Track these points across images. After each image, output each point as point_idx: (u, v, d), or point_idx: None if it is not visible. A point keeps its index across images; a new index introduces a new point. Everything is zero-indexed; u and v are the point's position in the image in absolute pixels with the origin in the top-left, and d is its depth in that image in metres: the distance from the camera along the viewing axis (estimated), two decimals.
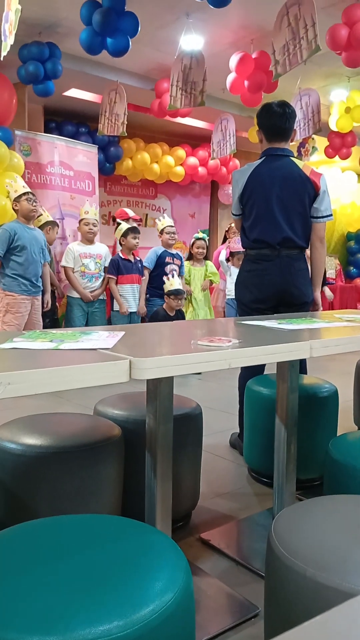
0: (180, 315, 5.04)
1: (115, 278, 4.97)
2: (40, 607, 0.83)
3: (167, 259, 5.24)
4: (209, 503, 2.28)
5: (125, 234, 5.04)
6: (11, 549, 1.00)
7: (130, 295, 5.00)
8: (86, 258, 4.84)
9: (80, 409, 3.54)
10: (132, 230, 5.10)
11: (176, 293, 4.82)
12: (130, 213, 5.63)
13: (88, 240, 4.93)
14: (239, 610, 1.57)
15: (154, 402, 1.42)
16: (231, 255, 5.71)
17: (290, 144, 2.78)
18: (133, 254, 5.12)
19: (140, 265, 5.16)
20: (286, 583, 1.03)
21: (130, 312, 5.00)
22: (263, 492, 2.40)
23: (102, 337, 1.33)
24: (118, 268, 4.98)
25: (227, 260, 5.77)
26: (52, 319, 4.90)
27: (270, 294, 2.65)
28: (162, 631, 0.85)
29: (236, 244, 5.55)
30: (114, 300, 5.02)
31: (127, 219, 5.44)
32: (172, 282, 4.86)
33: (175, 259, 5.35)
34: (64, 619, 0.80)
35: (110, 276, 4.98)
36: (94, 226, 4.93)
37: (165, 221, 5.40)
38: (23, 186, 4.40)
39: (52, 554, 0.98)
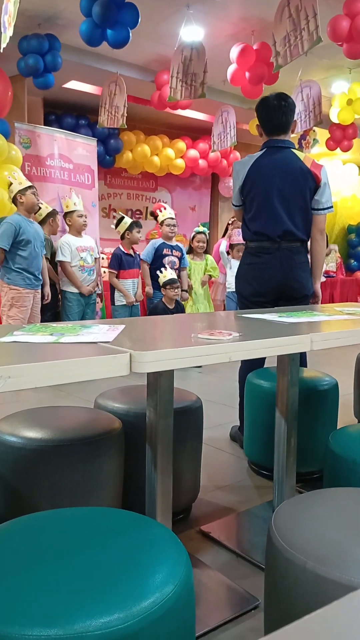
0: (180, 308, 5.03)
1: (117, 272, 4.96)
2: (41, 600, 0.83)
3: (165, 251, 5.20)
4: (209, 496, 2.28)
5: (130, 228, 5.01)
6: (11, 543, 1.01)
7: (132, 290, 5.00)
8: (83, 251, 4.77)
9: (81, 403, 3.55)
10: (137, 225, 5.09)
11: (171, 282, 4.84)
12: (168, 208, 5.57)
13: (80, 232, 4.84)
14: (239, 602, 1.58)
15: (155, 395, 1.42)
16: (231, 247, 5.69)
17: (291, 135, 2.77)
18: (133, 249, 5.11)
19: (139, 259, 5.16)
20: (286, 575, 1.03)
21: (130, 307, 5.00)
22: (263, 485, 2.41)
23: (102, 331, 1.33)
24: (120, 263, 4.96)
25: (227, 253, 5.75)
26: (54, 312, 4.87)
27: (271, 287, 2.64)
28: (163, 623, 0.85)
29: (236, 236, 5.53)
30: (115, 294, 5.00)
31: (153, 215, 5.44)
32: (165, 274, 4.88)
33: (174, 251, 5.30)
34: (65, 612, 0.80)
35: (111, 270, 4.97)
36: (86, 217, 4.89)
37: (165, 212, 5.35)
38: (25, 179, 4.39)
39: (52, 547, 0.98)
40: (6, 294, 4.21)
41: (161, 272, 4.93)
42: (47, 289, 4.62)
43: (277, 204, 2.61)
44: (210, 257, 5.90)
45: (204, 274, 5.74)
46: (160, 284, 4.88)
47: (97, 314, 5.18)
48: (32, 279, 4.27)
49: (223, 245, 5.86)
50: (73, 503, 1.58)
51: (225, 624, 1.49)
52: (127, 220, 5.08)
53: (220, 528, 2.02)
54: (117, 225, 5.11)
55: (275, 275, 2.63)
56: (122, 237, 5.06)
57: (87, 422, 1.77)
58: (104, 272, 5.42)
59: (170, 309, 4.89)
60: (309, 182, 2.61)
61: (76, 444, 1.62)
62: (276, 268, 2.63)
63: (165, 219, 5.29)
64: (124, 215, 5.22)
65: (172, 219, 5.34)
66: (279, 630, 0.35)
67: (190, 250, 5.73)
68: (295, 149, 2.71)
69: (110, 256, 5.36)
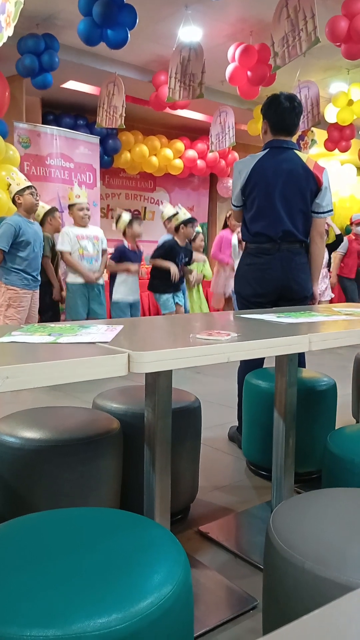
0: (189, 247, 5.10)
1: (115, 264, 4.95)
2: (39, 600, 0.83)
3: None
4: (208, 496, 2.28)
5: (130, 224, 4.99)
6: (10, 543, 1.01)
7: (132, 285, 4.98)
8: (83, 239, 4.64)
9: (79, 403, 3.55)
10: (136, 219, 5.07)
11: (191, 221, 5.00)
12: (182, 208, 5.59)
13: (82, 225, 4.73)
14: (237, 602, 1.58)
15: (153, 395, 1.42)
16: (239, 242, 5.68)
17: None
18: (137, 245, 5.08)
19: (142, 255, 5.16)
20: (284, 576, 1.03)
21: (130, 303, 4.98)
22: (262, 485, 2.41)
23: (100, 331, 1.33)
24: (121, 257, 4.93)
25: (237, 247, 5.72)
26: (54, 313, 4.85)
27: (271, 288, 2.64)
28: (161, 624, 0.85)
29: None
30: (114, 289, 4.97)
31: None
32: (185, 212, 5.01)
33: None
34: (63, 612, 0.80)
35: (111, 261, 4.94)
36: (88, 210, 4.76)
37: (184, 210, 5.35)
38: (24, 179, 4.39)
39: (51, 548, 0.98)
40: (3, 294, 4.21)
41: (180, 208, 5.04)
42: (56, 288, 4.67)
43: (278, 205, 2.60)
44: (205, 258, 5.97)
45: (200, 272, 5.79)
46: (178, 222, 4.97)
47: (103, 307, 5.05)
48: (30, 279, 4.27)
49: (235, 238, 5.77)
50: (71, 503, 1.57)
51: (223, 624, 1.49)
52: (126, 217, 5.05)
53: (218, 528, 2.02)
54: (116, 223, 5.09)
55: (275, 276, 2.63)
56: (124, 233, 5.03)
57: (86, 422, 1.76)
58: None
59: (181, 246, 4.99)
60: (310, 184, 2.61)
61: (74, 444, 1.62)
62: (276, 269, 2.63)
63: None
64: (122, 212, 5.19)
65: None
66: (277, 630, 0.36)
67: None
68: (298, 150, 2.70)
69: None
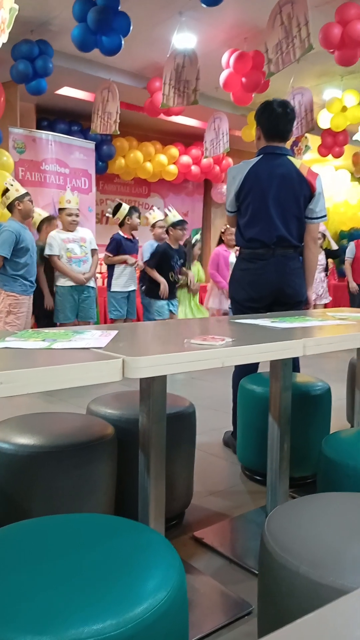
0: (182, 250, 5.09)
1: (113, 257, 4.94)
2: (34, 606, 0.82)
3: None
4: (203, 501, 2.28)
5: (130, 213, 4.99)
6: (5, 549, 1.00)
7: (130, 276, 4.98)
8: (70, 242, 4.63)
9: (73, 409, 3.54)
10: (135, 209, 5.07)
11: (182, 223, 4.99)
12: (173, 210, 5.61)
13: (69, 230, 4.70)
14: (232, 608, 1.58)
15: (147, 400, 1.41)
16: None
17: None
18: (132, 234, 5.08)
19: (138, 245, 5.18)
20: (279, 581, 1.03)
21: (129, 291, 4.99)
22: (256, 490, 2.41)
23: (95, 336, 1.33)
24: (119, 247, 4.93)
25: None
26: (50, 320, 4.83)
27: (266, 293, 2.65)
28: (156, 629, 0.85)
29: None
30: (112, 280, 4.95)
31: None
32: (175, 214, 5.01)
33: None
34: (57, 618, 0.80)
35: (108, 254, 4.93)
36: (77, 216, 4.73)
37: (174, 213, 5.39)
38: (20, 186, 4.40)
39: (45, 554, 0.98)
40: (3, 300, 4.21)
41: (170, 211, 5.04)
42: (46, 297, 4.66)
43: (272, 210, 2.62)
44: (198, 264, 6.00)
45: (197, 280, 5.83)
46: (169, 224, 4.97)
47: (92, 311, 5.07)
48: (28, 285, 4.30)
49: (232, 256, 5.77)
50: (66, 509, 1.57)
51: (218, 630, 1.48)
52: (126, 206, 5.05)
53: (213, 534, 2.01)
54: (114, 213, 5.04)
55: (269, 281, 2.64)
56: (122, 224, 5.02)
57: (80, 428, 1.76)
58: (99, 276, 5.40)
59: (174, 249, 4.97)
60: (304, 189, 2.63)
61: (69, 450, 1.61)
62: (271, 274, 2.64)
63: (157, 221, 5.33)
64: (122, 202, 5.18)
65: (162, 220, 5.43)
66: (272, 634, 0.36)
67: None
68: (291, 156, 2.72)
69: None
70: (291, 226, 2.64)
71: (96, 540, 1.03)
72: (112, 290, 5.00)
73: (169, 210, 5.32)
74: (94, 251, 4.79)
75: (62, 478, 1.60)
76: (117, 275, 4.95)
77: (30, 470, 1.59)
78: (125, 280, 4.97)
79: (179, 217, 5.16)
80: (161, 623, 0.86)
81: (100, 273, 6.25)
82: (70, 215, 4.66)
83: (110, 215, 5.12)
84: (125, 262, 4.90)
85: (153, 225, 5.25)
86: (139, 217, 5.07)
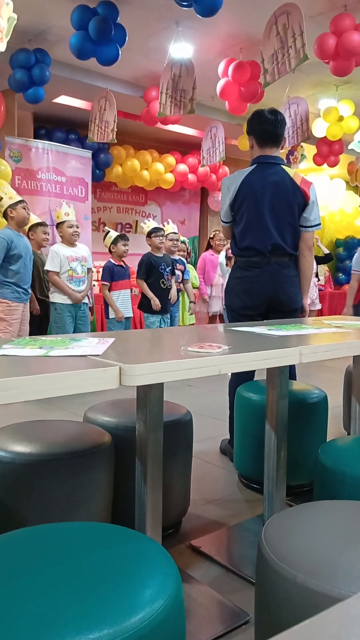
0: (166, 259, 5.14)
1: (109, 284, 4.96)
2: (29, 615, 0.82)
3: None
4: (200, 510, 2.27)
5: (115, 242, 5.05)
6: (0, 558, 1.00)
7: (126, 301, 5.00)
8: (74, 261, 4.62)
9: (70, 416, 3.53)
10: (122, 238, 5.11)
11: (155, 230, 5.02)
12: (171, 223, 5.71)
13: (71, 243, 4.69)
14: (229, 617, 1.57)
15: (144, 408, 1.41)
16: (229, 258, 5.74)
17: (280, 151, 2.80)
18: (123, 261, 5.13)
19: (129, 271, 5.21)
20: (276, 589, 1.03)
21: (125, 317, 5.01)
22: (253, 498, 2.40)
23: (92, 344, 1.33)
24: (112, 275, 4.97)
25: (226, 264, 5.77)
26: (39, 326, 4.81)
27: (261, 301, 2.66)
28: (153, 639, 0.84)
29: None
30: (109, 307, 4.99)
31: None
32: (149, 224, 5.07)
33: (178, 264, 5.52)
34: (53, 627, 0.79)
35: (104, 283, 4.96)
36: (78, 228, 4.73)
37: (169, 227, 5.46)
38: (16, 194, 4.41)
39: (41, 562, 0.97)
40: None
41: (145, 223, 5.12)
42: (35, 304, 4.64)
43: (267, 219, 2.63)
44: (191, 267, 6.13)
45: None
46: (145, 234, 5.05)
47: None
48: (21, 292, 4.28)
49: (222, 255, 5.82)
50: (62, 517, 1.56)
51: (216, 639, 1.47)
52: (112, 234, 5.13)
53: (210, 542, 2.01)
54: (104, 239, 5.15)
55: (265, 289, 2.65)
56: (110, 250, 5.12)
57: (77, 436, 1.76)
58: (95, 284, 5.41)
59: (158, 256, 5.02)
60: (298, 198, 2.64)
61: (65, 458, 1.61)
62: (266, 282, 2.65)
63: (168, 234, 5.36)
64: (110, 230, 5.28)
65: (175, 233, 5.53)
66: None
67: None
68: (285, 165, 2.74)
69: (100, 269, 5.37)
70: (286, 234, 2.65)
71: (93, 548, 1.02)
72: (109, 317, 5.01)
73: (168, 225, 5.46)
74: (88, 270, 4.84)
75: (58, 486, 1.59)
76: (112, 301, 4.99)
77: (27, 479, 1.59)
78: (121, 306, 5.00)
79: (154, 225, 5.21)
80: (158, 632, 0.85)
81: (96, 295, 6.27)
82: (71, 226, 4.63)
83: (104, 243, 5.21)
84: (117, 312, 4.96)
85: (149, 235, 5.22)
86: (126, 245, 5.08)
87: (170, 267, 5.17)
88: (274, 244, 2.63)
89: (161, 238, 5.07)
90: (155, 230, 5.07)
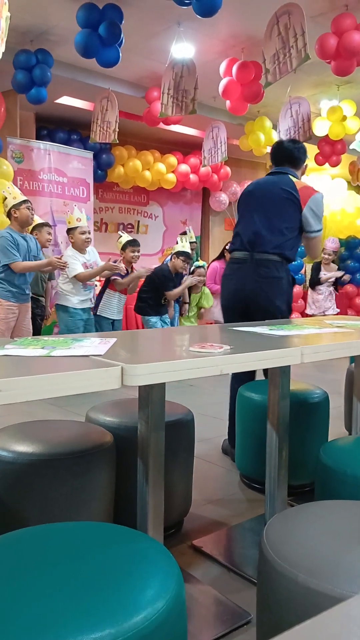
0: (178, 279, 5.20)
1: (119, 279, 4.92)
2: (31, 615, 0.82)
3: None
4: (201, 510, 2.27)
5: (123, 248, 4.95)
6: (1, 558, 1.00)
7: (117, 304, 4.97)
8: (87, 269, 4.53)
9: (72, 416, 3.53)
10: (131, 244, 4.96)
11: (186, 255, 5.12)
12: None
13: (83, 249, 4.57)
14: (231, 617, 1.57)
15: (146, 408, 1.42)
16: None
17: (299, 172, 2.86)
18: (132, 267, 5.04)
19: None
20: (278, 589, 1.03)
21: (114, 320, 4.97)
22: (255, 498, 2.40)
23: (94, 344, 1.34)
24: (121, 277, 4.94)
25: None
26: (34, 327, 4.76)
27: (236, 298, 2.70)
28: (154, 639, 0.85)
29: None
30: (100, 304, 4.92)
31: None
32: (184, 245, 5.14)
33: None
34: (54, 627, 0.80)
35: (115, 277, 4.88)
36: (89, 234, 4.63)
37: (185, 243, 5.30)
38: (20, 193, 4.38)
39: (43, 562, 0.97)
40: None
41: (181, 240, 5.23)
42: (48, 310, 4.69)
43: (254, 214, 2.71)
44: (206, 289, 6.03)
45: (195, 304, 5.96)
46: (175, 251, 5.17)
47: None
48: (16, 292, 4.19)
49: None
50: (64, 517, 1.56)
51: (217, 639, 1.48)
52: (122, 239, 5.02)
53: (212, 542, 2.01)
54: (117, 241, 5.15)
55: (238, 286, 2.67)
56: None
57: (79, 435, 1.76)
58: (96, 285, 5.38)
59: (172, 275, 5.15)
60: (291, 204, 2.68)
61: (67, 458, 1.61)
62: (240, 278, 2.66)
63: (179, 251, 5.24)
64: (122, 234, 5.16)
65: (188, 254, 5.36)
66: None
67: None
68: (295, 177, 2.78)
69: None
70: (274, 232, 2.66)
71: (94, 548, 1.02)
72: (98, 313, 4.88)
73: (180, 239, 5.41)
74: None
75: (60, 486, 1.60)
76: (106, 300, 4.91)
77: (29, 478, 1.59)
78: (113, 308, 4.95)
79: (128, 238, 5.06)
80: (159, 632, 0.85)
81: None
82: (83, 233, 4.52)
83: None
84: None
85: (123, 249, 5.06)
86: (134, 252, 4.97)
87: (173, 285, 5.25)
88: (255, 232, 2.66)
89: (137, 253, 4.99)
90: (131, 243, 4.97)
